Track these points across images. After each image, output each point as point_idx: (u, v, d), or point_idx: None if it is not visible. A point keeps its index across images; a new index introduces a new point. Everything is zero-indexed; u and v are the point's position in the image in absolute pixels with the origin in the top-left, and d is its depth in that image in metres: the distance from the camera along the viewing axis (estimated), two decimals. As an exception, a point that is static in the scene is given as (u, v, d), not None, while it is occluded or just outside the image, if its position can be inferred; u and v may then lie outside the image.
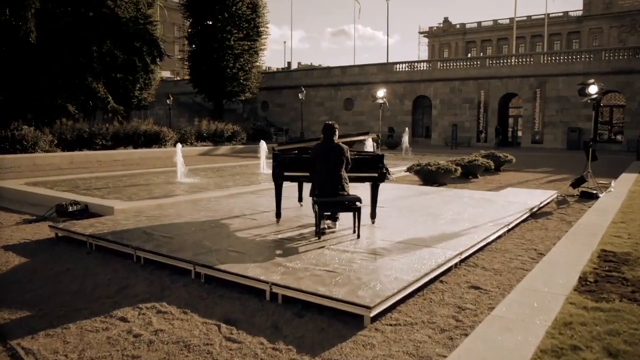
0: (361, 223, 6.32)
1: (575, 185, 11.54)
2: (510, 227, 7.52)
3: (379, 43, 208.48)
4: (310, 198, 6.51)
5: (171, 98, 38.75)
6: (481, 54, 78.50)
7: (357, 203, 6.25)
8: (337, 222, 6.90)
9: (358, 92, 43.57)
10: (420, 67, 42.12)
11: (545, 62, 36.33)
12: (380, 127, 20.18)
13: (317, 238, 6.19)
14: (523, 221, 8.24)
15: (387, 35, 55.07)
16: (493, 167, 15.46)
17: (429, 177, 12.75)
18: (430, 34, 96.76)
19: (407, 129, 32.09)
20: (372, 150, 13.30)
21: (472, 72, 38.65)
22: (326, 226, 6.60)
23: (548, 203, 10.04)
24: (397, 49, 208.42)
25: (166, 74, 68.23)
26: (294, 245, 5.89)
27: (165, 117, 37.99)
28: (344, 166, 6.39)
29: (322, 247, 5.84)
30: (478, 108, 38.43)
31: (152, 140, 24.32)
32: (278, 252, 5.61)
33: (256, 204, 8.80)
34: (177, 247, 5.77)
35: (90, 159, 20.96)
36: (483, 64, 38.82)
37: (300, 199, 8.51)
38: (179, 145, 14.00)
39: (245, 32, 36.39)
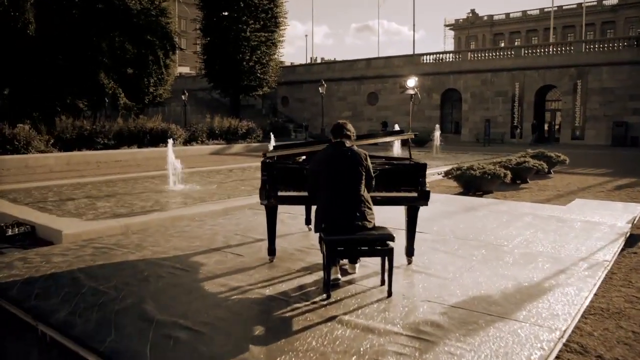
0: (394, 263, 4.08)
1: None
2: (608, 267, 5.18)
3: (404, 38, 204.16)
4: (315, 230, 4.32)
5: (186, 94, 36.94)
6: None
7: (389, 243, 4.03)
8: (357, 264, 4.68)
9: (383, 85, 41.12)
10: (449, 58, 39.44)
11: (587, 50, 33.34)
12: (410, 123, 17.77)
13: (325, 296, 3.99)
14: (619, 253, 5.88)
15: (414, 26, 52.46)
16: (546, 169, 13.00)
17: (472, 183, 10.41)
18: (457, 26, 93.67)
19: (437, 125, 29.53)
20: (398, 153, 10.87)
21: (506, 62, 35.85)
22: (338, 276, 4.36)
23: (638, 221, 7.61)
24: (423, 44, 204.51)
25: (185, 69, 66.79)
26: (288, 313, 3.69)
27: (183, 113, 36.20)
28: (363, 182, 4.18)
29: (333, 317, 3.62)
30: (512, 102, 35.65)
31: (159, 138, 22.37)
32: (259, 329, 3.42)
33: (249, 227, 6.62)
34: (101, 318, 3.62)
35: (89, 160, 19.10)
36: (518, 54, 35.98)
37: (308, 221, 6.32)
38: (170, 143, 11.87)
39: (262, 22, 34.25)
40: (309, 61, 74.97)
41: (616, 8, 72.75)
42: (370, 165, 4.25)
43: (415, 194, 4.67)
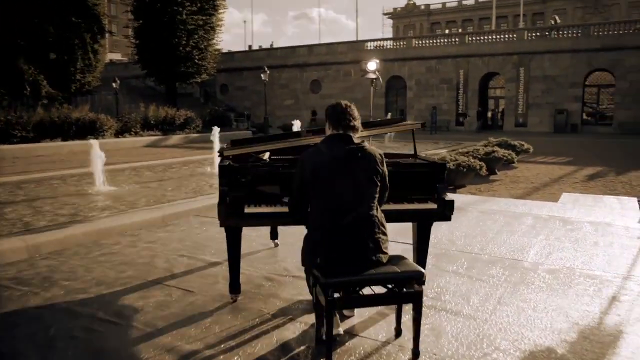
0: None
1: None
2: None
3: (343, 27, 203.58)
4: (304, 263, 3.00)
5: (118, 81, 34.25)
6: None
7: (416, 286, 2.79)
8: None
9: (326, 73, 39.94)
10: (393, 45, 38.74)
11: (530, 38, 33.50)
12: (372, 111, 16.68)
13: (322, 363, 2.69)
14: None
15: (357, 12, 51.47)
16: (515, 159, 12.19)
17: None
18: (395, 15, 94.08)
19: (390, 113, 28.70)
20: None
21: (450, 49, 35.52)
22: (340, 330, 3.05)
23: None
24: (361, 32, 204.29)
25: (116, 56, 62.86)
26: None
27: (114, 103, 33.50)
28: (377, 197, 2.92)
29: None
30: (457, 89, 35.43)
31: (87, 130, 20.11)
32: None
33: (198, 245, 5.18)
34: None
35: (4, 155, 16.76)
36: (462, 41, 35.73)
37: (274, 235, 4.97)
38: (94, 142, 9.97)
39: (199, 5, 32.01)
40: (247, 49, 72.83)
41: (545, 0, 74.98)
42: (387, 171, 2.96)
43: (432, 206, 3.42)
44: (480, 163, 9.66)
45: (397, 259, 2.88)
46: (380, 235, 2.83)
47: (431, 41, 37.48)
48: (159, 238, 5.51)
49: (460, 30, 76.78)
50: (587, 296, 3.77)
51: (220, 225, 3.26)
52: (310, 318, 3.25)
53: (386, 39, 40.13)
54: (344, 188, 2.78)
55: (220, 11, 34.12)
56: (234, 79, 43.87)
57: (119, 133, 22.19)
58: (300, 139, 3.59)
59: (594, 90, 33.20)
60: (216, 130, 12.59)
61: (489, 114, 37.38)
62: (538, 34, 33.80)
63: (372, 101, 15.16)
